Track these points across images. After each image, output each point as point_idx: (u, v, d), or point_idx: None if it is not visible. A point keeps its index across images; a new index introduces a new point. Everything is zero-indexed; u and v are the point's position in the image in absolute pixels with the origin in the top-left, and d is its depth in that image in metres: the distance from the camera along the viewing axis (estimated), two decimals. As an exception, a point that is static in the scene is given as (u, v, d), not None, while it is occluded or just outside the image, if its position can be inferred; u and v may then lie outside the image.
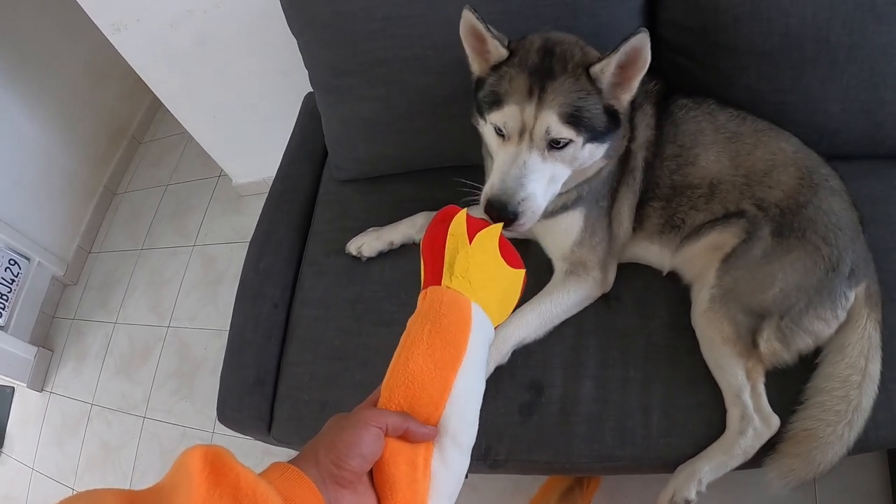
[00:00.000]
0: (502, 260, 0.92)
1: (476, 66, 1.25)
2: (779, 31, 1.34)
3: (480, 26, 1.16)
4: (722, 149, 1.34)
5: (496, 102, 1.16)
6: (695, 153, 1.34)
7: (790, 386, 1.22)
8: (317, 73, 1.62)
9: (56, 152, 3.02)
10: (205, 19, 1.98)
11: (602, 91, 1.14)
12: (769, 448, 1.19)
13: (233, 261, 2.73)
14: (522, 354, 1.34)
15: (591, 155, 1.19)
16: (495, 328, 0.88)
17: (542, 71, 1.13)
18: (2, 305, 2.75)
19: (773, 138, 1.34)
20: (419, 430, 0.72)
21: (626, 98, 1.18)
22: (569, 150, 1.15)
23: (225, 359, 1.56)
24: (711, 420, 1.24)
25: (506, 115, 1.14)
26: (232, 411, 1.51)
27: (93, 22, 1.99)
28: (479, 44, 1.20)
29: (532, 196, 1.13)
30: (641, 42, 1.08)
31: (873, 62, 1.34)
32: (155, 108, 3.56)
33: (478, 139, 1.33)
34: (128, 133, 3.46)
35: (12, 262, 2.79)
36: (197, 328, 2.65)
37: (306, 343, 1.52)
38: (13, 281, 2.79)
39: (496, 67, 1.19)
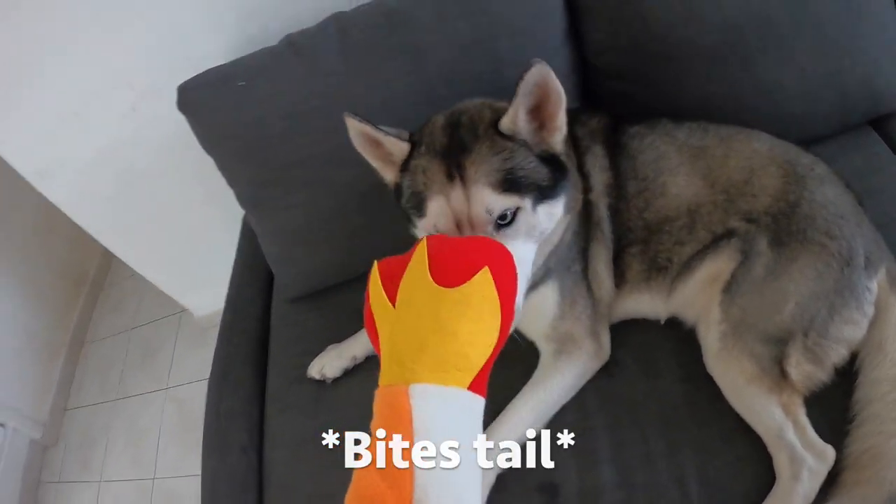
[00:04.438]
0: (440, 288, 0.76)
1: (387, 174, 1.15)
2: (716, 26, 1.29)
3: (369, 129, 1.06)
4: (690, 169, 1.24)
5: (418, 205, 1.04)
6: (661, 182, 1.24)
7: (833, 405, 1.11)
8: (240, 190, 1.54)
9: (16, 311, 2.95)
10: (126, 153, 1.92)
11: (527, 142, 1.03)
12: (830, 482, 1.05)
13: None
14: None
15: (550, 216, 1.06)
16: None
17: (454, 148, 1.02)
18: None
19: (742, 142, 1.25)
20: None
21: (557, 138, 1.07)
22: (520, 221, 1.01)
23: (202, 517, 1.41)
24: (757, 473, 1.10)
25: (433, 214, 1.02)
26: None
27: (27, 177, 1.96)
28: (377, 148, 1.11)
29: None
30: (539, 75, 0.97)
31: (820, 30, 1.31)
32: (110, 253, 3.47)
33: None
34: (87, 281, 3.42)
35: None
36: (183, 476, 2.51)
37: (284, 490, 1.38)
38: None
39: (405, 166, 1.08)
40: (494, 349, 0.76)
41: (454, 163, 1.00)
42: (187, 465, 2.50)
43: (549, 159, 1.05)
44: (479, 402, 0.74)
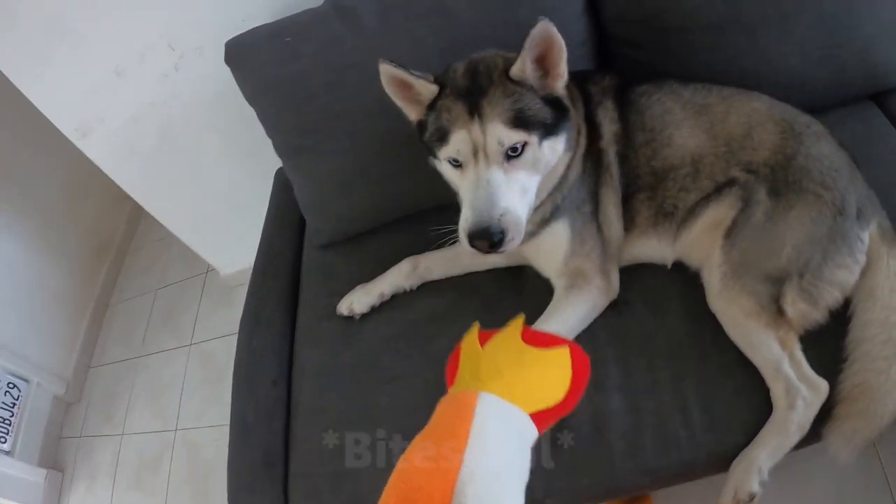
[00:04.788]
0: (525, 344, 0.87)
1: (412, 113, 1.26)
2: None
3: (402, 73, 1.19)
4: (695, 123, 1.32)
5: (442, 137, 1.17)
6: (668, 134, 1.32)
7: (828, 346, 1.16)
8: (279, 139, 1.62)
9: (44, 272, 3.02)
10: (165, 112, 2.00)
11: (533, 87, 1.16)
12: (824, 416, 1.12)
13: (231, 355, 2.61)
14: None
15: (553, 151, 1.19)
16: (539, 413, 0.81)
17: (473, 91, 1.15)
18: (5, 430, 2.67)
19: (742, 101, 1.33)
20: None
21: (560, 84, 1.19)
22: (528, 154, 1.14)
23: (230, 446, 1.48)
24: (755, 403, 1.17)
25: (455, 144, 1.15)
26: (244, 499, 1.42)
27: (64, 139, 2.01)
28: (406, 91, 1.22)
29: (509, 210, 1.12)
30: (543, 30, 1.09)
31: (822, 5, 1.35)
32: (136, 218, 3.60)
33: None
34: (113, 244, 3.49)
35: (11, 385, 2.74)
36: (205, 427, 2.58)
37: (311, 415, 1.46)
38: (14, 405, 2.74)
39: (431, 106, 1.20)
40: (554, 409, 0.82)
41: (473, 103, 1.13)
42: (209, 416, 2.58)
43: (553, 102, 1.17)
44: (533, 432, 0.79)
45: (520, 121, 1.13)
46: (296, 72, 1.47)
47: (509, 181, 1.13)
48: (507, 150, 1.12)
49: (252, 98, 1.56)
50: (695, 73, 1.41)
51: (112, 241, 3.50)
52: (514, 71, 1.14)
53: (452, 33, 1.42)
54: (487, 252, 1.13)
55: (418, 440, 0.74)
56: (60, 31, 1.74)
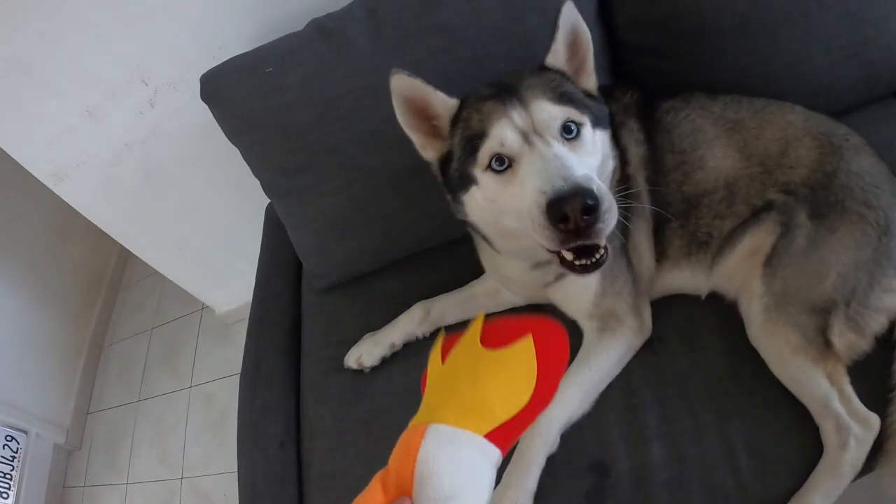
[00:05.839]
0: (484, 350, 0.81)
1: (430, 151, 1.14)
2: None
3: (419, 84, 1.06)
4: (727, 142, 1.23)
5: (476, 141, 1.02)
6: (699, 155, 1.23)
7: (874, 374, 1.11)
8: (267, 179, 1.51)
9: (34, 317, 2.96)
10: (144, 150, 1.91)
11: (571, 77, 1.10)
12: (875, 449, 1.07)
13: (233, 395, 2.63)
14: (573, 435, 1.18)
15: (603, 143, 1.07)
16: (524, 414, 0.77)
17: (505, 89, 1.03)
18: (6, 485, 2.61)
19: (776, 114, 1.25)
20: None
21: (591, 83, 1.13)
22: (585, 136, 1.02)
23: (239, 516, 1.39)
24: (805, 442, 1.10)
25: (497, 135, 0.99)
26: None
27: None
28: (423, 119, 1.10)
29: (593, 178, 0.91)
30: (569, 12, 1.06)
31: (845, 1, 1.30)
32: (126, 253, 3.50)
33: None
34: (104, 282, 3.42)
35: (9, 437, 2.67)
36: (212, 474, 2.50)
37: (325, 480, 1.36)
38: (14, 458, 2.67)
39: (454, 123, 1.08)
40: (523, 411, 0.77)
41: (508, 95, 1.01)
42: (216, 462, 2.51)
43: (592, 98, 1.10)
44: (492, 452, 0.75)
45: (565, 97, 1.02)
46: (280, 105, 1.35)
47: (580, 161, 0.96)
48: (562, 130, 0.98)
49: (234, 136, 1.45)
50: (718, 81, 1.34)
51: (103, 277, 3.43)
52: (550, 59, 1.09)
53: (454, 53, 1.30)
54: (574, 229, 0.87)
55: (376, 478, 0.74)
56: (25, 73, 1.64)
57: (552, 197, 0.87)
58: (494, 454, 0.75)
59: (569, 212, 0.85)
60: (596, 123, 1.04)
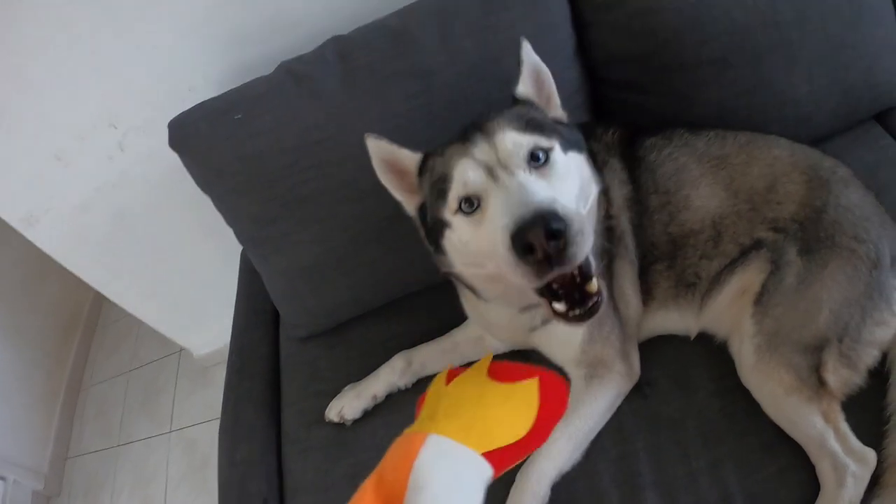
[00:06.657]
0: (490, 380, 0.86)
1: (410, 206, 1.14)
2: (725, 30, 1.28)
3: (386, 144, 1.07)
4: (713, 179, 1.21)
5: (444, 181, 0.99)
6: (684, 195, 1.21)
7: (867, 407, 1.10)
8: (241, 228, 1.47)
9: (8, 359, 2.88)
10: (115, 194, 1.86)
11: (539, 106, 1.10)
12: (872, 483, 1.05)
13: (214, 439, 2.56)
14: (564, 487, 1.13)
15: (578, 166, 1.01)
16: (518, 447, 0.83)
17: (471, 127, 1.01)
18: None
19: (762, 148, 1.23)
20: None
21: (560, 115, 1.13)
22: (556, 160, 0.96)
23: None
24: (801, 482, 1.08)
25: (461, 174, 0.95)
26: None
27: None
28: (399, 171, 1.09)
29: (557, 199, 0.87)
30: (528, 53, 1.09)
31: (825, 27, 1.30)
32: (102, 294, 3.44)
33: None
34: (80, 323, 3.34)
35: None
36: None
37: None
38: None
39: (421, 173, 1.07)
40: (519, 443, 0.82)
41: (472, 133, 0.99)
42: (198, 510, 2.42)
43: (561, 124, 1.10)
44: (486, 469, 0.78)
45: (532, 125, 0.98)
46: (250, 154, 1.30)
47: (546, 185, 0.92)
48: (528, 158, 0.94)
49: (204, 185, 1.40)
50: (700, 114, 1.33)
51: (79, 318, 3.35)
52: (520, 89, 1.09)
53: (430, 97, 1.27)
54: (544, 258, 0.80)
55: (368, 481, 0.76)
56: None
57: (513, 229, 0.82)
58: (488, 472, 0.78)
59: (532, 239, 0.79)
60: (567, 147, 1.00)
